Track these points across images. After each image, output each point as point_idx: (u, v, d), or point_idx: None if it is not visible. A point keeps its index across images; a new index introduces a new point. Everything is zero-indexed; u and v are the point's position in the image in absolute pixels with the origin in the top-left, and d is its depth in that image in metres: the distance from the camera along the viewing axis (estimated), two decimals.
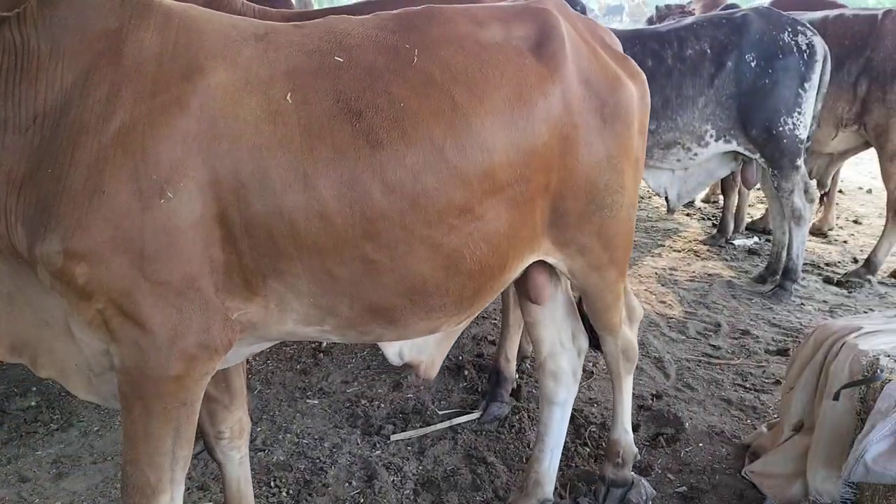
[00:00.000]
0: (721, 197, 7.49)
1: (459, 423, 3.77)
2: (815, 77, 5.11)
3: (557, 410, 3.08)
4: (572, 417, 3.78)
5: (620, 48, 2.75)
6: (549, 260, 2.54)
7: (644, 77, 2.63)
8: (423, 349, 2.64)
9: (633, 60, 2.68)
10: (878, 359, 2.86)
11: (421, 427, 3.72)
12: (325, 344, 4.58)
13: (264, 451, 3.51)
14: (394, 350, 2.58)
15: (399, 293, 2.14)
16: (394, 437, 3.64)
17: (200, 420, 2.63)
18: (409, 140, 2.02)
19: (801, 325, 5.00)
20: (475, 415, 3.86)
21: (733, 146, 5.24)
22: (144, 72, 1.90)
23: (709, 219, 7.80)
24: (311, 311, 2.12)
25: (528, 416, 3.81)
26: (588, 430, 3.69)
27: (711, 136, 5.21)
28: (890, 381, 2.74)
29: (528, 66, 2.25)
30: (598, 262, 2.60)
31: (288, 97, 1.96)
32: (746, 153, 5.26)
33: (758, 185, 5.97)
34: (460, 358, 4.43)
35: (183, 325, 1.93)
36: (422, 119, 2.04)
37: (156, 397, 1.98)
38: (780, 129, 5.08)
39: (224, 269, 1.97)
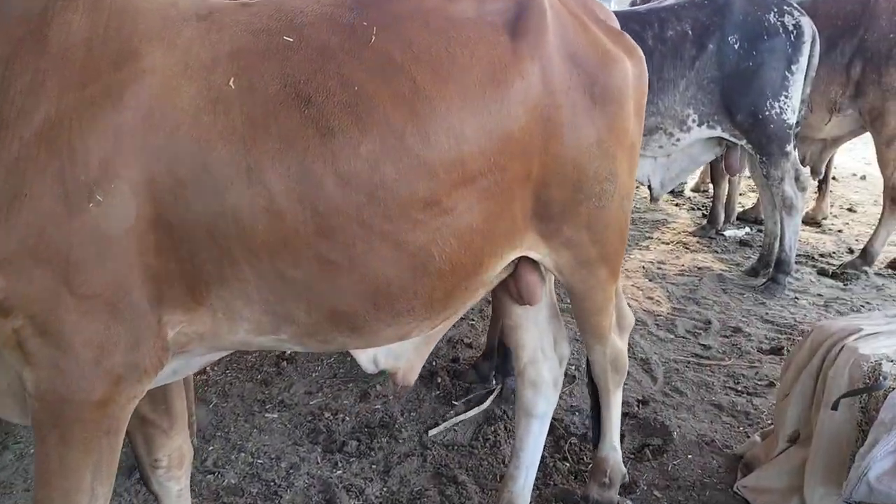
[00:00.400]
0: (711, 186, 7.23)
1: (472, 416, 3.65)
2: (803, 59, 4.84)
3: (535, 423, 2.84)
4: (551, 428, 3.50)
5: (616, 23, 2.51)
6: (533, 255, 2.31)
7: (641, 54, 2.39)
8: (399, 355, 2.39)
9: (629, 36, 2.43)
10: (880, 364, 2.60)
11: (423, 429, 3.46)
12: (289, 352, 4.30)
13: (214, 473, 3.21)
14: (367, 357, 2.34)
15: (361, 297, 1.93)
16: (431, 433, 3.49)
17: (135, 446, 2.39)
18: (364, 127, 1.81)
19: (796, 320, 4.74)
20: (496, 391, 3.79)
21: (717, 132, 4.97)
22: (72, 59, 1.69)
23: (699, 209, 7.54)
24: (265, 320, 1.92)
25: (505, 428, 3.53)
26: (569, 442, 3.41)
27: (694, 120, 4.94)
28: (894, 389, 2.48)
29: (503, 43, 2.01)
30: (586, 257, 2.36)
31: (231, 82, 1.76)
32: (732, 139, 4.99)
33: (748, 173, 5.73)
34: (434, 363, 4.15)
35: (110, 342, 1.73)
36: (378, 104, 1.83)
37: (75, 425, 1.76)
38: (767, 113, 4.82)
39: (163, 278, 1.77)
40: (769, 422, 3.54)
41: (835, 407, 2.62)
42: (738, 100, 4.84)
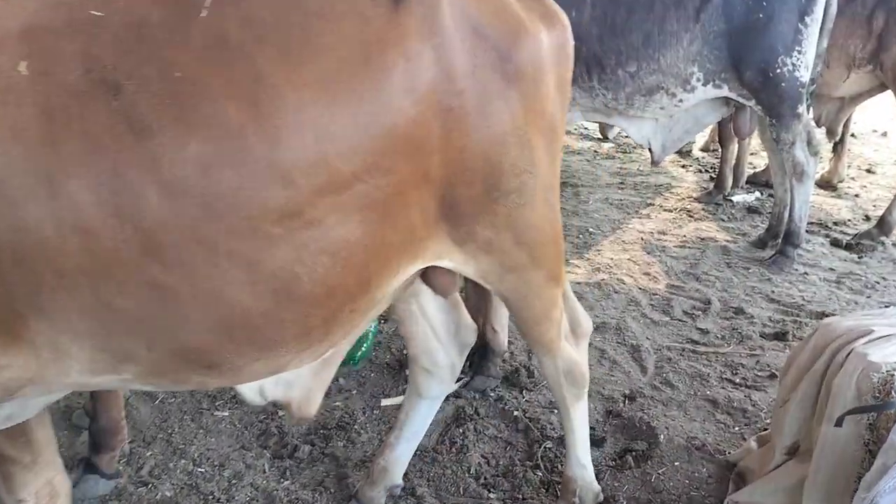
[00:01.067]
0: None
1: None
2: (819, 10, 4.34)
3: (424, 404, 2.69)
4: (525, 430, 3.21)
5: None
6: (446, 264, 1.99)
7: (565, 20, 2.01)
8: (293, 383, 2.05)
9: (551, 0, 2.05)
10: (892, 376, 2.24)
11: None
12: None
13: (149, 484, 2.91)
14: (251, 388, 2.00)
15: (212, 329, 1.59)
16: (384, 402, 3.40)
17: None
18: (191, 123, 1.45)
19: (804, 299, 4.35)
20: (462, 381, 3.45)
21: (724, 91, 4.52)
22: None
23: (707, 171, 7.06)
24: (99, 357, 1.58)
25: (475, 429, 3.19)
26: (543, 446, 3.07)
27: (698, 79, 4.48)
28: None
29: (380, 17, 1.64)
30: (513, 262, 2.05)
31: (22, 67, 1.40)
32: (740, 99, 4.54)
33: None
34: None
35: None
36: (208, 94, 1.47)
37: None
38: (778, 71, 4.35)
39: None
40: (768, 421, 3.19)
41: (839, 423, 2.28)
42: (747, 56, 4.38)
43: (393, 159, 1.65)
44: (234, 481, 2.93)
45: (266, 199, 1.52)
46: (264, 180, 1.51)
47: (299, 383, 2.02)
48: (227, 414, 3.35)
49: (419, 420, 2.71)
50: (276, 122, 1.50)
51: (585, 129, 8.23)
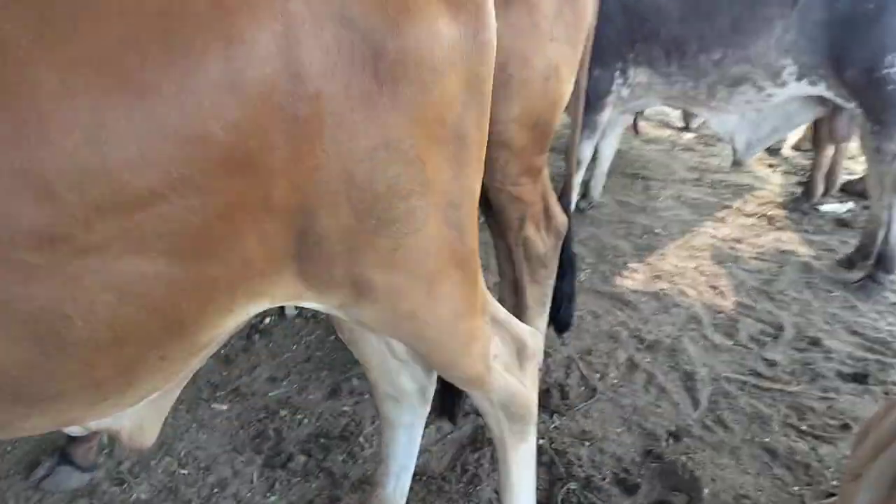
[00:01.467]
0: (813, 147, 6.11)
1: None
2: None
3: (401, 433, 2.34)
4: (548, 463, 2.83)
5: None
6: (315, 306, 1.58)
7: (480, 4, 1.50)
8: (121, 413, 1.70)
9: None
10: None
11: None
12: (267, 320, 3.70)
13: (126, 483, 2.66)
14: None
15: None
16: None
17: None
18: None
19: (892, 336, 3.79)
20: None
21: (821, 90, 3.97)
22: None
23: (796, 173, 6.44)
24: None
25: (491, 457, 2.82)
26: (566, 487, 2.67)
27: (791, 74, 3.96)
28: None
29: None
30: (408, 303, 1.62)
31: None
32: (838, 100, 3.99)
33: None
34: None
35: None
36: None
37: None
38: (885, 71, 3.78)
39: None
40: (834, 482, 2.73)
41: None
42: (850, 52, 3.82)
43: (209, 175, 1.24)
44: (216, 490, 2.65)
45: (15, 218, 1.12)
46: (11, 192, 1.11)
47: (130, 412, 1.64)
48: (225, 408, 3.08)
49: (402, 452, 2.35)
50: (27, 113, 1.10)
51: (665, 115, 7.67)
